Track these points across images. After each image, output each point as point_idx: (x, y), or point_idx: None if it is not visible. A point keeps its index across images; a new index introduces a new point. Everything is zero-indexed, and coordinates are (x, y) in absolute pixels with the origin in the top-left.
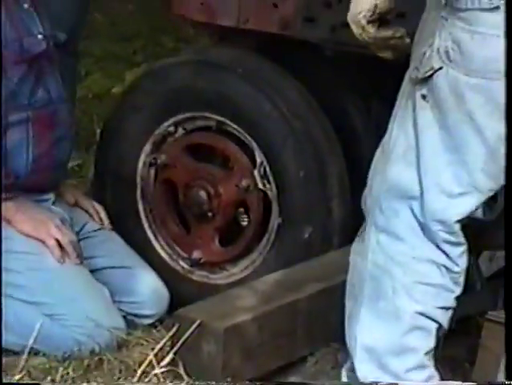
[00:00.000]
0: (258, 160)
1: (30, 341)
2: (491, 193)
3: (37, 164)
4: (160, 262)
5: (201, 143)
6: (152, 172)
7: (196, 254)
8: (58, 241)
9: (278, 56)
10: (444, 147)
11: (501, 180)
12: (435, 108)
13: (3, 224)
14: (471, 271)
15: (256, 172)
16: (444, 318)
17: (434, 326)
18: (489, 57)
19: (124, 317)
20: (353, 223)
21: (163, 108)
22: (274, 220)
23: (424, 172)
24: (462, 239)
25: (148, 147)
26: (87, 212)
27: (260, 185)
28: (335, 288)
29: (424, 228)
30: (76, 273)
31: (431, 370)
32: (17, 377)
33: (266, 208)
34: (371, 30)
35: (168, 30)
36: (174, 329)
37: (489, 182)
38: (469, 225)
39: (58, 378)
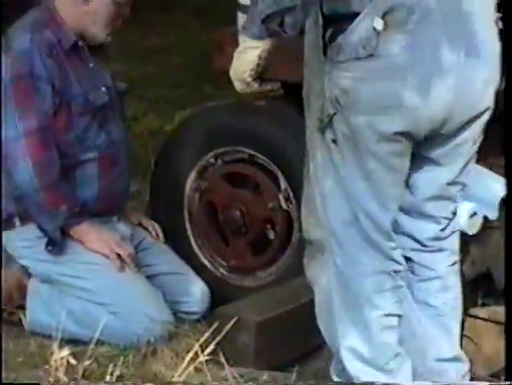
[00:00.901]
0: (282, 186)
1: (97, 333)
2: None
3: (103, 193)
4: (203, 269)
5: (236, 171)
6: (197, 195)
7: (232, 262)
8: (118, 254)
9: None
10: (361, 176)
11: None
12: (343, 147)
13: (77, 242)
14: None
15: (281, 196)
16: (400, 308)
17: (397, 318)
18: (372, 96)
19: (174, 314)
20: None
21: (205, 143)
22: (296, 235)
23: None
24: (394, 236)
25: (193, 175)
26: (145, 229)
27: (284, 206)
28: None
29: (371, 244)
30: (134, 279)
31: (402, 354)
32: (86, 362)
33: (289, 224)
34: (255, 85)
35: (209, 80)
36: (215, 324)
37: (396, 202)
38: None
39: (120, 363)
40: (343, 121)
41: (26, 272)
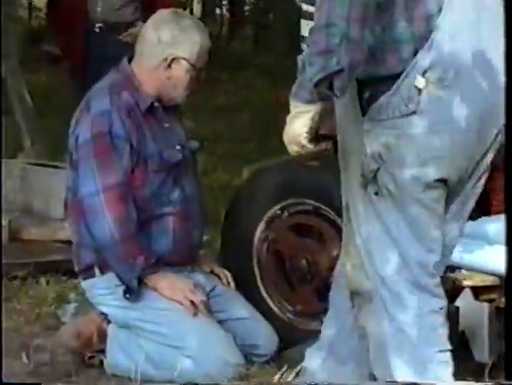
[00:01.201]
0: None
1: (175, 373)
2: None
3: (177, 245)
4: (272, 314)
5: (302, 222)
6: (265, 245)
7: (299, 307)
8: (192, 301)
9: None
10: (406, 222)
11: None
12: (387, 198)
13: (152, 289)
14: None
15: None
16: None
17: (449, 353)
18: (416, 151)
19: (245, 356)
20: None
21: (272, 196)
22: None
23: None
24: (436, 273)
25: (261, 226)
26: (217, 276)
27: None
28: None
29: (420, 288)
30: (207, 323)
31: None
32: None
33: None
34: (311, 146)
35: (275, 136)
36: (284, 367)
37: (439, 244)
38: None
39: None
40: (388, 175)
41: (106, 318)
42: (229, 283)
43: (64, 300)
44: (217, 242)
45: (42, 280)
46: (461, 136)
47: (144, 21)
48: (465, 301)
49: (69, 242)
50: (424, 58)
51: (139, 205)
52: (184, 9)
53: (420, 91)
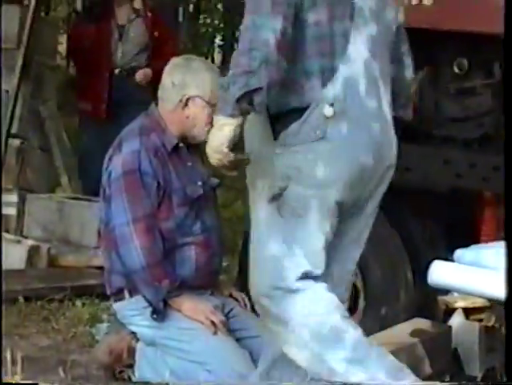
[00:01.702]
0: None
1: None
2: None
3: (198, 271)
4: None
5: None
6: None
7: None
8: (212, 321)
9: None
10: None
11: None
12: (290, 214)
13: (176, 310)
14: None
15: None
16: None
17: None
18: (322, 174)
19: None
20: (414, 305)
21: None
22: (361, 303)
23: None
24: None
25: None
26: (235, 299)
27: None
28: (401, 347)
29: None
30: (225, 341)
31: None
32: None
33: (356, 292)
34: (231, 155)
35: None
36: None
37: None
38: None
39: None
40: (294, 194)
41: (135, 336)
42: (246, 305)
43: (98, 320)
44: (235, 269)
45: (78, 302)
46: (358, 164)
47: (154, 67)
48: (457, 321)
49: (101, 268)
50: (331, 90)
51: (164, 235)
52: (206, 58)
53: (327, 119)
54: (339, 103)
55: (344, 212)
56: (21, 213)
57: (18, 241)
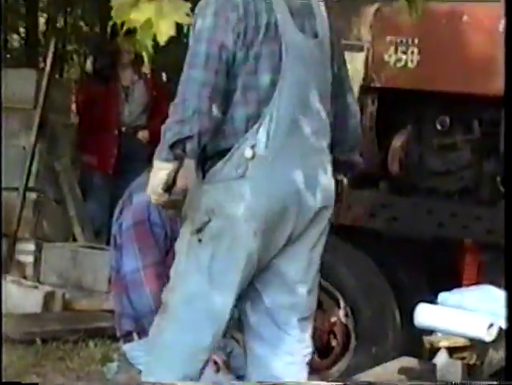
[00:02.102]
0: (342, 305)
1: None
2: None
3: None
4: None
5: None
6: None
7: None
8: (215, 361)
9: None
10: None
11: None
12: (210, 246)
13: None
14: None
15: (341, 312)
16: None
17: None
18: (243, 209)
19: None
20: (401, 345)
21: None
22: (353, 342)
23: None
24: None
25: None
26: (236, 341)
27: (343, 320)
28: (389, 384)
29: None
30: (227, 379)
31: None
32: None
33: (347, 334)
34: (166, 196)
35: None
36: None
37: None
38: None
39: None
40: (216, 227)
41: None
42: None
43: (109, 360)
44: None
45: (91, 343)
46: (276, 203)
47: (152, 125)
48: (441, 359)
49: (112, 312)
50: (253, 135)
51: None
52: None
53: (247, 160)
54: (261, 146)
55: (271, 251)
56: (38, 261)
57: (35, 287)
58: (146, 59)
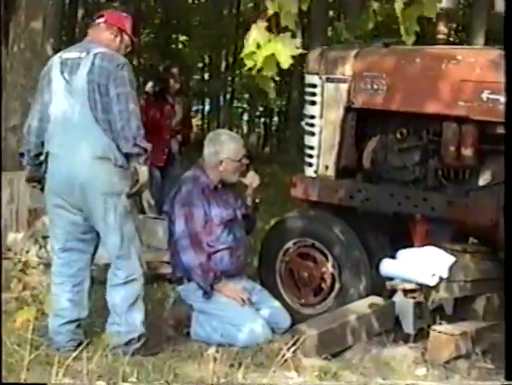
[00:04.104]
0: (330, 259)
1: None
2: None
3: (232, 266)
4: (287, 305)
5: (304, 252)
6: (283, 265)
7: (302, 301)
8: (241, 298)
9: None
10: None
11: None
12: None
13: (218, 291)
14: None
15: (329, 264)
16: None
17: None
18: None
19: (272, 329)
20: (370, 288)
21: (287, 236)
22: (337, 286)
23: None
24: None
25: (281, 253)
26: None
27: (330, 270)
28: (361, 316)
29: None
30: (250, 311)
31: None
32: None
33: (333, 280)
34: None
35: (290, 201)
36: (296, 337)
37: None
38: None
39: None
40: None
41: (191, 307)
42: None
43: (167, 297)
44: (255, 263)
45: (154, 286)
46: (56, 186)
47: (182, 133)
48: (398, 298)
49: (169, 263)
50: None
51: (209, 244)
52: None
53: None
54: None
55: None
56: None
57: None
58: (270, 93)
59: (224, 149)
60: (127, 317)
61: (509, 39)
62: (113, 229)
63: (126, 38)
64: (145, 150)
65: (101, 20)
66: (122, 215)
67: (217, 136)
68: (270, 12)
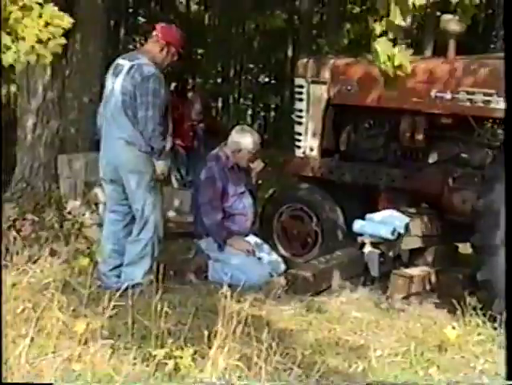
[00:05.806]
0: (314, 220)
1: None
2: None
3: (243, 226)
4: (282, 255)
5: (295, 214)
6: (279, 224)
7: (293, 252)
8: (248, 250)
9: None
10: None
11: None
12: None
13: (230, 245)
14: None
15: (313, 224)
16: None
17: None
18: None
19: (270, 274)
20: (346, 242)
21: (281, 202)
22: (320, 240)
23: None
24: None
25: (277, 216)
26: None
27: (314, 228)
28: (337, 263)
29: None
30: (256, 260)
31: None
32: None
33: (316, 236)
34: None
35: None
36: (289, 277)
37: None
38: None
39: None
40: None
41: (208, 257)
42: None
43: (189, 248)
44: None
45: (180, 240)
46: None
47: (204, 121)
48: (367, 249)
49: (193, 222)
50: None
51: (225, 209)
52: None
53: None
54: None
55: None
56: None
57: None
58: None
59: (245, 141)
60: (128, 267)
61: (509, 39)
62: (137, 199)
63: (173, 49)
64: (162, 147)
65: (154, 32)
66: (146, 189)
67: (242, 130)
68: None
